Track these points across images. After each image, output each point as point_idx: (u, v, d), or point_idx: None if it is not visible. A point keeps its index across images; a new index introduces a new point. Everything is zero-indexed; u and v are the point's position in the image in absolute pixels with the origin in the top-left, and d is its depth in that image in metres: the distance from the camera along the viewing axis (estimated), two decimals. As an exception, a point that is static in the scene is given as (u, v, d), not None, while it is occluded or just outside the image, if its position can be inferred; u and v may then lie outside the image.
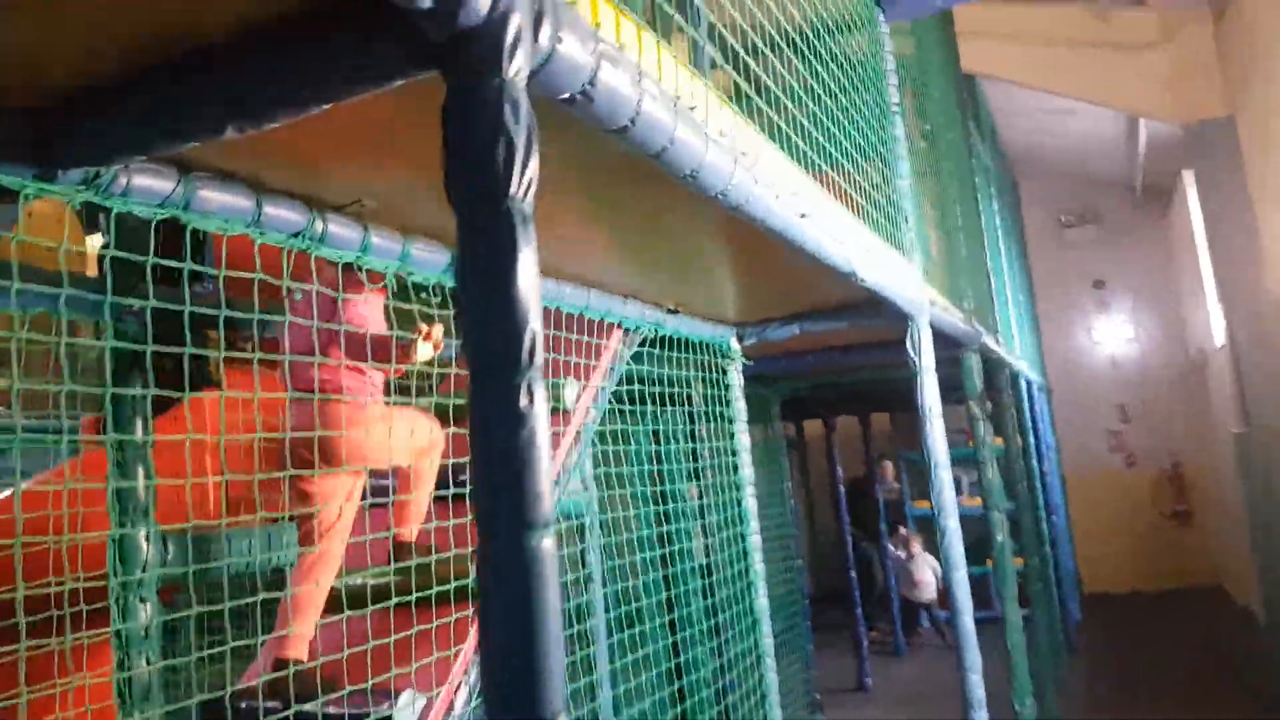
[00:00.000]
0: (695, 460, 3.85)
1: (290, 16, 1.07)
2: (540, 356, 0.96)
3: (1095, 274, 11.74)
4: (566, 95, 1.20)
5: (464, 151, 0.98)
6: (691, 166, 1.57)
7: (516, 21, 0.99)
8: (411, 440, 2.44)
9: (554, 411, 2.58)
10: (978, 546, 5.23)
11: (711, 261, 2.97)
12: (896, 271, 3.15)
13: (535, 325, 0.95)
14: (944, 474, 3.42)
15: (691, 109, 1.54)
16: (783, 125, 2.13)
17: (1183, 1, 6.37)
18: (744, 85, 1.92)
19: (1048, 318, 11.49)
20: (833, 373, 6.47)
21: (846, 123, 2.92)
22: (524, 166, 0.98)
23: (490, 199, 0.96)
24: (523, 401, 0.92)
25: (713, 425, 3.83)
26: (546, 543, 0.92)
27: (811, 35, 3.03)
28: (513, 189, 0.96)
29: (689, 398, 3.70)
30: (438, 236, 2.07)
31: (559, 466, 2.54)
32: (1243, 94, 6.13)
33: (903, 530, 9.42)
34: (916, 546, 9.16)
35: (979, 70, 7.08)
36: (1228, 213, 6.23)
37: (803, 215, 2.11)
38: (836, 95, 2.84)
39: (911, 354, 3.48)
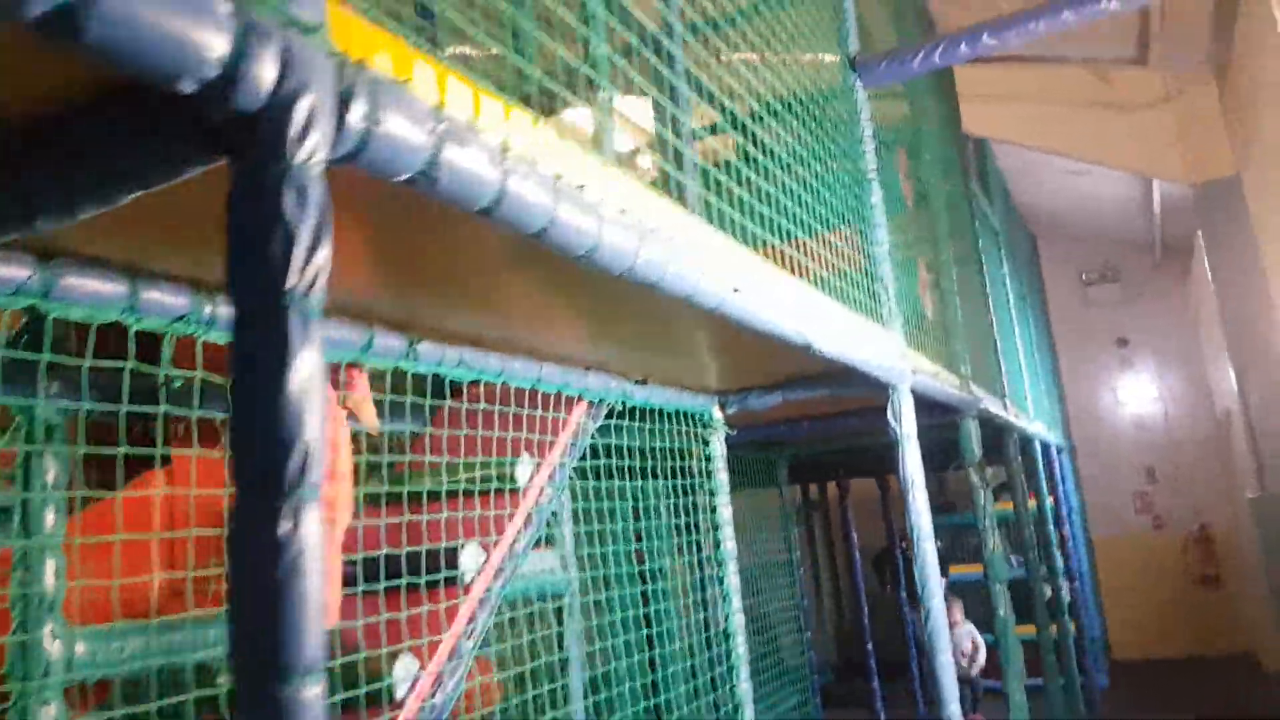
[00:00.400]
0: (678, 535, 3.73)
1: (77, 105, 1.00)
2: (317, 475, 0.86)
3: (1119, 332, 11.52)
4: (405, 177, 1.12)
5: (241, 241, 0.89)
6: (584, 247, 1.48)
7: (307, 104, 0.91)
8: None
9: (499, 492, 2.47)
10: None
11: (679, 331, 2.88)
12: (870, 341, 3.04)
13: (311, 438, 0.86)
14: (927, 545, 3.26)
15: (580, 187, 1.46)
16: (712, 200, 2.05)
17: (1184, 62, 6.28)
18: (669, 166, 1.85)
19: (1072, 377, 11.27)
20: (842, 435, 6.31)
21: (804, 192, 2.84)
22: (308, 258, 0.89)
23: (265, 293, 0.87)
24: (284, 527, 0.82)
25: (695, 498, 3.71)
26: (308, 694, 0.81)
27: (768, 107, 2.97)
28: (290, 282, 0.87)
29: (669, 470, 3.59)
30: (352, 315, 2.00)
31: (505, 550, 2.43)
32: (1247, 154, 6.00)
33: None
34: (958, 614, 8.29)
35: (984, 132, 7.00)
36: (1238, 274, 6.05)
37: (736, 290, 2.01)
38: (791, 166, 2.77)
39: (893, 423, 3.36)
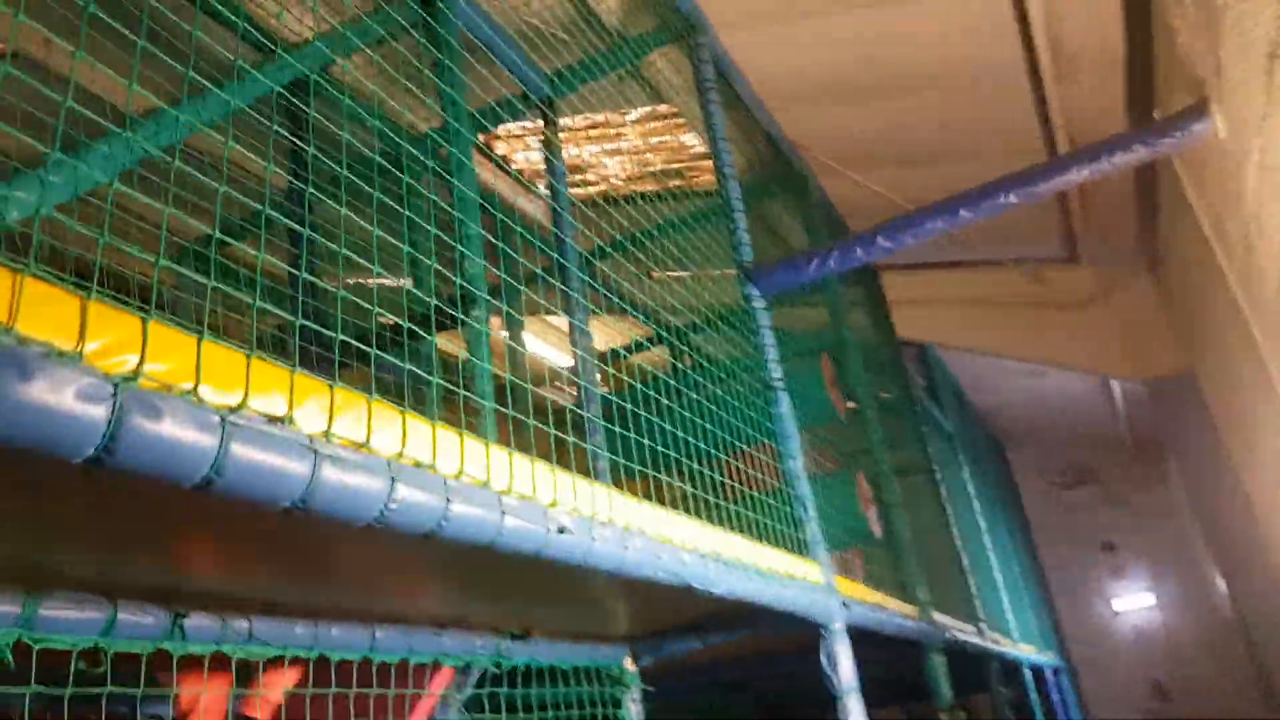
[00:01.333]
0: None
1: None
2: None
3: (1103, 536, 11.05)
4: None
5: None
6: (290, 496, 1.15)
7: None
8: None
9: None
10: None
11: (550, 573, 2.49)
12: (781, 572, 2.66)
13: None
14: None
15: (277, 420, 1.14)
16: (530, 425, 1.75)
17: (1115, 257, 6.24)
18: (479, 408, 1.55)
19: (1060, 589, 10.67)
20: (806, 673, 5.72)
21: (696, 416, 2.56)
22: None
23: None
24: None
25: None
26: None
27: (660, 333, 2.73)
28: None
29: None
30: (94, 588, 1.63)
31: None
32: (1197, 350, 5.79)
33: None
34: None
35: (923, 337, 6.88)
36: (1208, 474, 5.72)
37: (562, 530, 1.67)
38: (682, 391, 2.50)
39: (828, 670, 2.91)
